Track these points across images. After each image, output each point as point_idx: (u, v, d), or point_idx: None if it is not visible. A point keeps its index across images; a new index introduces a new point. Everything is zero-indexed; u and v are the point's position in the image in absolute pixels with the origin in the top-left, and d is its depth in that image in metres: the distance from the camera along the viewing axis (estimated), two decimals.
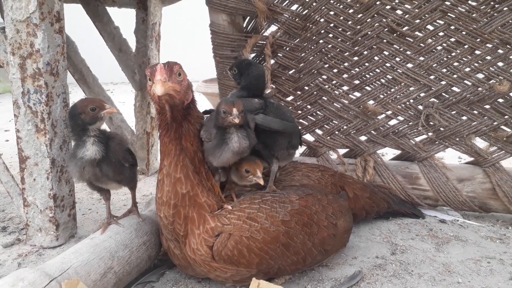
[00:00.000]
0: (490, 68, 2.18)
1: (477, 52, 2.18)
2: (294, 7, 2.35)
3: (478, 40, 2.16)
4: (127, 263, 1.63)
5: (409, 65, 2.28)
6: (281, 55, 2.42)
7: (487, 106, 2.22)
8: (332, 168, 2.39)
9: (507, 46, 2.14)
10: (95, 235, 1.67)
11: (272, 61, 2.43)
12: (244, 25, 2.44)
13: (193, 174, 1.54)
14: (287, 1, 2.34)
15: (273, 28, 2.42)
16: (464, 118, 2.26)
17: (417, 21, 2.21)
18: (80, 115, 1.64)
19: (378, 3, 2.23)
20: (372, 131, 2.40)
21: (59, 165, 1.99)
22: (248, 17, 2.42)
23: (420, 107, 2.30)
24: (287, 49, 2.41)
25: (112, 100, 3.11)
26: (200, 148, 1.60)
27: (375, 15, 2.25)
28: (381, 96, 2.35)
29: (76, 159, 1.65)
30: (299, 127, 2.48)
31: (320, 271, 1.80)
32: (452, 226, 2.22)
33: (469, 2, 2.13)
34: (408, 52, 2.26)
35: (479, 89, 2.20)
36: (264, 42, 2.39)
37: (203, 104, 6.12)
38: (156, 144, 3.11)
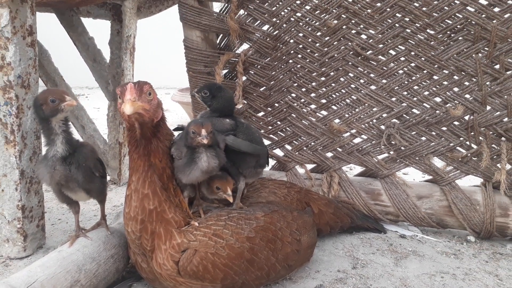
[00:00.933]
0: (447, 92, 2.31)
1: (435, 77, 2.31)
2: (265, 27, 2.43)
3: (436, 66, 2.29)
4: (94, 276, 1.65)
5: (373, 87, 2.39)
6: (252, 72, 2.50)
7: (444, 128, 2.35)
8: (300, 182, 2.48)
9: (462, 73, 2.28)
10: (62, 248, 1.69)
11: (244, 78, 2.51)
12: (217, 42, 2.51)
13: (161, 190, 1.58)
14: (259, 21, 2.43)
15: (245, 46, 2.50)
16: (423, 138, 2.38)
17: (380, 45, 2.33)
18: (41, 106, 1.66)
19: (344, 27, 2.34)
20: (338, 148, 2.50)
21: (29, 176, 2.00)
22: (221, 35, 2.49)
23: (382, 127, 2.41)
24: (258, 67, 2.49)
25: (85, 110, 3.11)
26: (168, 164, 1.65)
27: (341, 38, 2.36)
28: (346, 115, 2.45)
29: (47, 159, 1.67)
30: (269, 142, 2.56)
31: (284, 284, 1.86)
32: (411, 241, 2.33)
33: (428, 30, 2.26)
34: (372, 75, 2.38)
35: (437, 111, 2.33)
36: (236, 59, 2.47)
37: (179, 112, 6.07)
38: None
